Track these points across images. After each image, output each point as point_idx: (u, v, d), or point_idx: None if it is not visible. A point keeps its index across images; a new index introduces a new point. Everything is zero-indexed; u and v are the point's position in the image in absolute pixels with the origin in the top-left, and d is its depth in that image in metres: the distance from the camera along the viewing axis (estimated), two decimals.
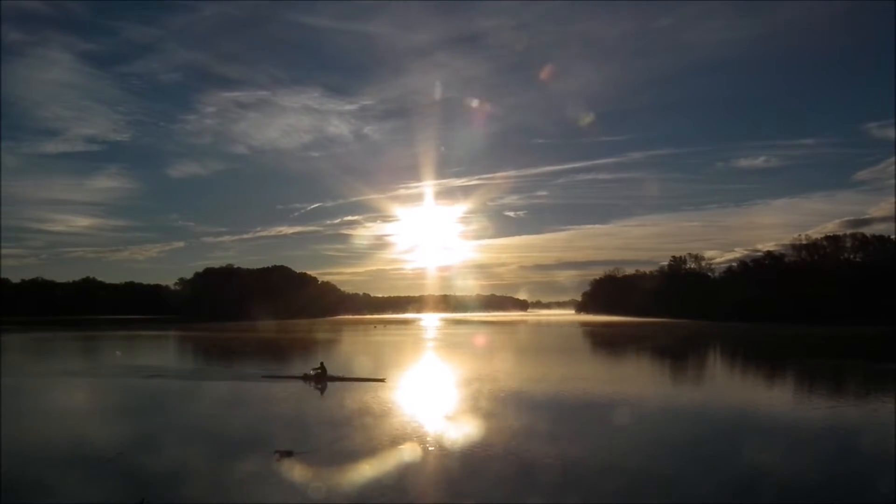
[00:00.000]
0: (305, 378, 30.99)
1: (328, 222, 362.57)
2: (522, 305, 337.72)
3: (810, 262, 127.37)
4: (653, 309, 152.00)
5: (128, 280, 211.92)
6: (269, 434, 18.22)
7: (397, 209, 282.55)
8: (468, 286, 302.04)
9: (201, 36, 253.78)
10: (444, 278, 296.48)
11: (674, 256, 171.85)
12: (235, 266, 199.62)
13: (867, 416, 22.30)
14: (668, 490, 13.21)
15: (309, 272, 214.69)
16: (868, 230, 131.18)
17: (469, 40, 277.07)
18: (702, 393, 28.30)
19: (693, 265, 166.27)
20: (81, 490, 12.21)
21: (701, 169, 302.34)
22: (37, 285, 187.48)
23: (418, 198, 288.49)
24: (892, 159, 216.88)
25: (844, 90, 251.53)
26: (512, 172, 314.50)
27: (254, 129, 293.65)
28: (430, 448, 16.55)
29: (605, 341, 73.77)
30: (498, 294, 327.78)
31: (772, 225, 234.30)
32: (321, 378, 30.63)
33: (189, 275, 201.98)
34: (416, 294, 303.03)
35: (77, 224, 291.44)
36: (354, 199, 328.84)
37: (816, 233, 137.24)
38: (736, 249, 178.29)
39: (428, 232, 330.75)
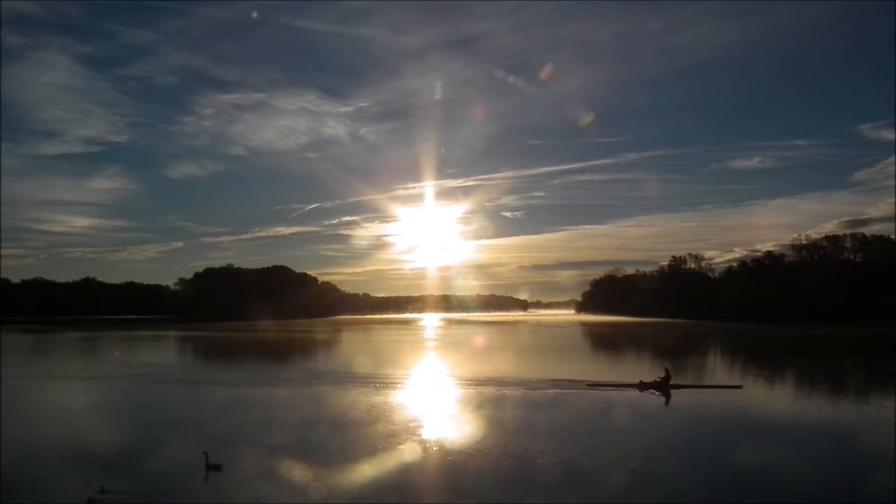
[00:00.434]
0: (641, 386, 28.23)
1: (326, 222, 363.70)
2: (522, 305, 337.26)
3: (810, 263, 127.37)
4: (653, 309, 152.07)
5: (128, 280, 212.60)
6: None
7: (396, 209, 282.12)
8: (468, 286, 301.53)
9: (197, 39, 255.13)
10: (444, 278, 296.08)
11: (674, 256, 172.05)
12: (235, 266, 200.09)
13: (867, 416, 22.29)
14: (668, 490, 13.20)
15: (308, 272, 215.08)
16: (867, 230, 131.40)
17: (463, 43, 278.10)
18: (701, 392, 28.18)
19: (693, 265, 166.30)
20: (81, 490, 12.18)
21: (696, 170, 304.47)
22: (37, 285, 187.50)
23: (417, 198, 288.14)
24: (890, 160, 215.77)
25: (838, 92, 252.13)
26: (510, 173, 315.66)
27: (251, 131, 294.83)
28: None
29: (605, 341, 73.73)
30: (498, 294, 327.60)
31: (769, 225, 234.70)
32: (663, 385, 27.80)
33: (189, 275, 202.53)
34: (416, 294, 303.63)
35: (77, 224, 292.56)
36: (353, 199, 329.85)
37: (816, 233, 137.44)
38: (735, 249, 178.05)
39: (427, 232, 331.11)
